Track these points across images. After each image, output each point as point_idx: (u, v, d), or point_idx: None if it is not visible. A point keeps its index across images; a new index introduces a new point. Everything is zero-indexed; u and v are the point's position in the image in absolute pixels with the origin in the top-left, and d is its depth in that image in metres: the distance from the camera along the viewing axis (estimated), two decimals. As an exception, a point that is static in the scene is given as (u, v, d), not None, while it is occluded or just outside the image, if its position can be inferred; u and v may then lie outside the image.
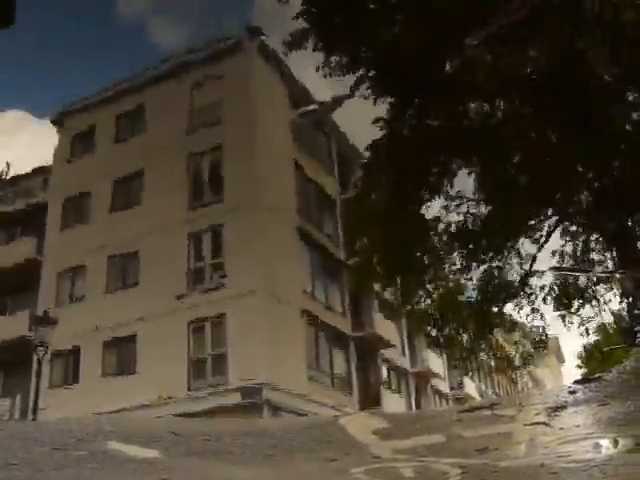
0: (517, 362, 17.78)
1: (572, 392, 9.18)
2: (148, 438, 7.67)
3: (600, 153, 11.75)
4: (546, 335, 16.22)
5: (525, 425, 7.58)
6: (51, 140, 34.79)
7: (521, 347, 17.30)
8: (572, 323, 15.96)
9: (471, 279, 15.48)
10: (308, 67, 14.99)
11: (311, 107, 20.98)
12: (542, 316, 15.67)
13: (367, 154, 13.66)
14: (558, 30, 9.67)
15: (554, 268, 15.42)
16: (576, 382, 10.63)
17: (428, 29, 10.07)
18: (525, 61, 10.70)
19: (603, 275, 15.28)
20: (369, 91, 11.99)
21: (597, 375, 10.31)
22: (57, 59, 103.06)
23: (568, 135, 11.88)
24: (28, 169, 33.66)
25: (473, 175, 14.47)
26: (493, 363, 26.61)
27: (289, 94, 28.30)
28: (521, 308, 15.63)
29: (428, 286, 15.54)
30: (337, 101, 13.15)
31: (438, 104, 11.33)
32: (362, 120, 13.49)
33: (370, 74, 11.84)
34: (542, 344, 16.55)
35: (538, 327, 15.97)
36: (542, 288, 15.83)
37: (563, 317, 15.94)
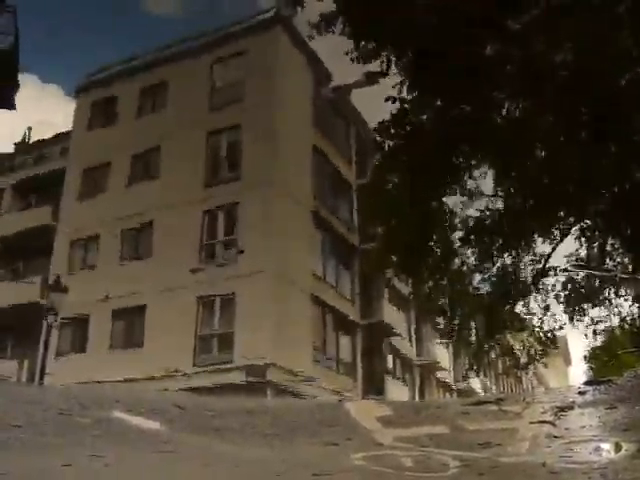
0: (523, 360, 17.69)
1: (581, 393, 9.13)
2: (152, 410, 7.70)
3: (622, 156, 11.60)
4: (554, 334, 16.14)
5: (530, 423, 7.55)
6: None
7: (528, 345, 17.22)
8: (581, 321, 15.89)
9: (485, 275, 15.41)
10: (331, 47, 14.83)
11: (339, 84, 20.77)
12: (553, 315, 15.61)
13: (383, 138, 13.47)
14: (591, 22, 9.49)
15: (575, 265, 15.30)
16: (586, 383, 10.57)
17: (465, 12, 9.89)
18: (558, 51, 10.50)
19: (618, 277, 15.16)
20: (398, 75, 11.83)
21: (607, 378, 10.24)
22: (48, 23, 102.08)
23: (590, 136, 11.73)
24: (48, 135, 33.90)
25: (492, 170, 14.34)
26: (500, 362, 26.50)
27: (312, 75, 28.17)
28: (530, 307, 15.57)
29: (440, 279, 15.47)
30: (369, 79, 12.98)
31: (466, 92, 11.17)
32: (382, 103, 13.30)
33: (400, 58, 11.67)
34: (551, 342, 16.47)
35: (548, 326, 15.91)
36: (554, 287, 15.76)
37: (571, 318, 15.87)
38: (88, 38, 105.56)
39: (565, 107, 10.62)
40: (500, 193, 14.64)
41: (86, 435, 6.26)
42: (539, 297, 15.75)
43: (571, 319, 15.79)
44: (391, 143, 12.91)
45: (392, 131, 12.53)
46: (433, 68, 10.79)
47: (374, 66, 12.14)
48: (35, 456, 5.41)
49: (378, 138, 12.98)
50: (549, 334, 15.97)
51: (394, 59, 11.83)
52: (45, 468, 4.96)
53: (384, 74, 12.02)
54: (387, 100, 12.25)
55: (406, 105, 12.07)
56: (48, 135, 34.08)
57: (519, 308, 15.77)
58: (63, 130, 32.45)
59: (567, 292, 15.69)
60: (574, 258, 15.83)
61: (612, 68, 10.00)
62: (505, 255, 15.12)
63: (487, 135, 12.13)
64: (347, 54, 11.99)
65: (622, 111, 10.69)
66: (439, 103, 11.99)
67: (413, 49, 11.56)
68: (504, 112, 12.66)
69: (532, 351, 16.83)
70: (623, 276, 14.94)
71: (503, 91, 11.64)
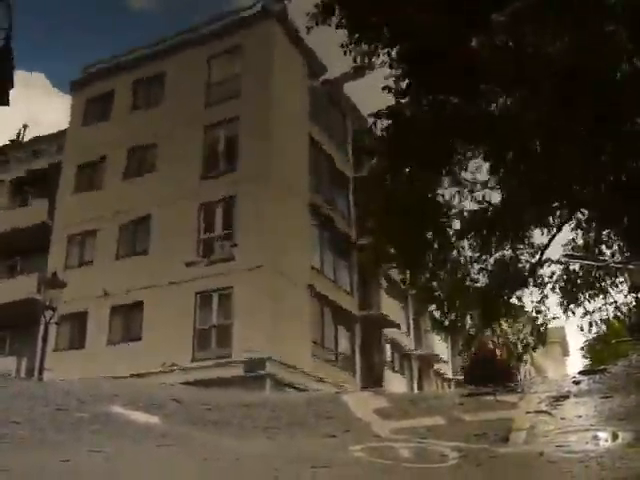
0: (519, 350, 17.75)
1: (576, 382, 9.18)
2: (150, 404, 7.72)
3: (618, 145, 11.61)
4: (546, 326, 16.19)
5: (527, 413, 7.59)
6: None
7: (522, 336, 17.26)
8: (573, 313, 15.94)
9: (482, 266, 15.42)
10: (327, 40, 14.81)
11: (331, 76, 20.77)
12: (547, 307, 15.64)
13: (379, 131, 13.44)
14: (585, 13, 9.49)
15: (567, 255, 15.34)
16: (581, 373, 10.62)
17: (456, 5, 9.89)
18: (549, 41, 10.51)
19: (614, 267, 15.20)
20: (391, 70, 11.83)
21: (602, 367, 10.29)
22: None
23: (586, 126, 11.73)
24: (43, 132, 33.87)
25: (487, 161, 14.34)
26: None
27: (307, 68, 28.14)
28: (526, 298, 15.60)
29: (437, 270, 15.48)
30: (358, 72, 12.97)
31: (459, 84, 11.17)
32: (379, 97, 13.30)
33: (392, 51, 11.66)
34: (544, 333, 16.51)
35: (543, 316, 15.93)
36: (550, 277, 15.79)
37: (566, 308, 15.89)
38: (74, 34, 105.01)
39: (561, 99, 10.63)
40: (496, 184, 14.65)
41: (85, 430, 6.28)
42: (535, 288, 15.78)
43: (566, 309, 15.82)
44: (385, 133, 12.91)
45: (388, 121, 12.55)
46: (427, 60, 10.80)
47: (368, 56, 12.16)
48: (34, 451, 5.43)
49: (372, 123, 12.98)
50: (543, 325, 16.02)
51: (388, 51, 11.83)
52: (45, 463, 4.98)
53: (371, 67, 12.02)
54: (384, 89, 12.25)
55: (401, 98, 12.08)
56: (42, 132, 34.03)
57: (515, 299, 15.80)
58: (56, 126, 32.38)
59: (563, 282, 15.72)
60: (571, 247, 15.84)
61: (608, 61, 10.01)
62: (502, 246, 15.13)
63: (482, 126, 12.15)
64: (342, 47, 11.98)
65: (619, 103, 10.71)
66: (433, 95, 12.00)
67: (406, 41, 11.56)
68: (499, 103, 12.68)
69: (526, 341, 16.89)
70: (618, 266, 14.99)
71: (498, 83, 11.66)
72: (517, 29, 10.17)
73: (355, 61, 12.01)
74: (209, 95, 26.84)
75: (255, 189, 23.70)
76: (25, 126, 35.31)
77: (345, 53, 12.11)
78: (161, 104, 27.81)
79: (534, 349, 16.70)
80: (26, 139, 34.74)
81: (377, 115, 12.59)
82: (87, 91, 30.57)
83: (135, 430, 6.51)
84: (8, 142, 34.34)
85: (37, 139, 33.95)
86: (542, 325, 16.06)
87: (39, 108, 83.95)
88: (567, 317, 15.88)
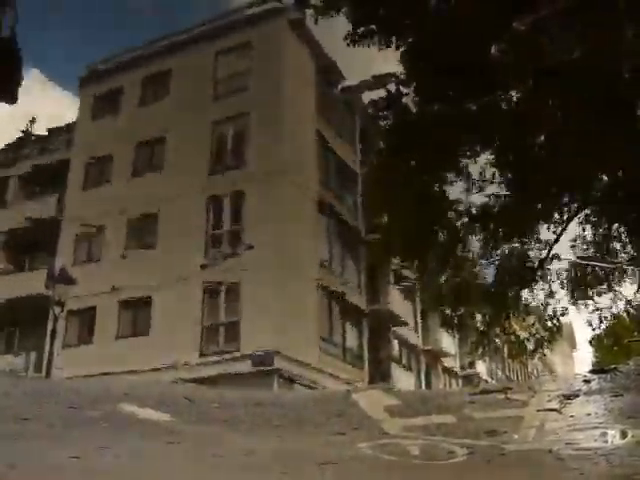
0: (530, 346, 17.75)
1: (586, 381, 9.18)
2: (161, 402, 7.76)
3: (626, 141, 11.56)
4: (559, 320, 16.19)
5: (537, 411, 7.60)
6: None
7: (534, 331, 17.25)
8: (586, 307, 15.96)
9: (490, 262, 15.43)
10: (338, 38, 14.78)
11: (351, 83, 20.78)
12: (557, 301, 15.65)
13: (386, 126, 13.42)
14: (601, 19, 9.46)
15: (580, 257, 15.36)
16: (591, 372, 10.62)
17: (477, 9, 9.88)
18: (567, 49, 10.48)
19: (624, 266, 15.18)
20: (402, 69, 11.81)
21: (613, 366, 10.28)
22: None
23: (595, 121, 11.69)
24: (51, 127, 33.92)
25: (495, 156, 14.31)
26: (506, 347, 26.58)
27: (317, 65, 28.09)
28: (534, 292, 15.62)
29: (445, 266, 15.48)
30: (380, 80, 12.93)
31: (473, 87, 11.14)
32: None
33: (405, 48, 11.63)
34: (557, 329, 16.51)
35: (553, 312, 15.94)
36: (559, 274, 15.78)
37: (576, 303, 15.91)
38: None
39: (571, 96, 10.61)
40: (504, 180, 14.63)
41: (95, 428, 6.31)
42: (544, 283, 15.78)
43: (575, 304, 15.83)
44: (392, 128, 12.90)
45: (387, 113, 12.53)
46: (432, 55, 10.78)
47: (375, 53, 12.13)
48: (44, 448, 5.46)
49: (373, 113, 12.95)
50: (554, 320, 16.02)
51: (393, 43, 11.80)
52: (53, 460, 5.00)
53: (394, 75, 11.98)
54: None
55: (404, 89, 12.07)
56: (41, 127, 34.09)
57: (524, 294, 15.81)
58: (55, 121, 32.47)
59: (572, 278, 15.72)
60: (579, 242, 15.84)
61: (621, 59, 9.99)
62: (510, 241, 15.12)
63: (490, 121, 12.12)
64: (345, 39, 11.95)
65: (630, 98, 10.67)
66: (438, 89, 11.98)
67: (413, 34, 11.53)
68: (508, 98, 12.65)
69: (538, 337, 16.88)
70: (630, 267, 14.98)
71: (508, 80, 11.63)
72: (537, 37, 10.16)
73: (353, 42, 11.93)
74: (217, 91, 26.84)
75: (263, 184, 23.71)
76: (33, 121, 35.30)
77: (349, 45, 12.07)
78: (170, 100, 27.82)
79: (548, 343, 16.71)
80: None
81: (378, 105, 12.57)
82: (95, 88, 30.60)
83: (145, 427, 6.54)
84: (16, 138, 34.39)
85: (45, 133, 34.02)
86: (553, 319, 16.06)
87: (37, 102, 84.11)
88: (577, 309, 15.94)
